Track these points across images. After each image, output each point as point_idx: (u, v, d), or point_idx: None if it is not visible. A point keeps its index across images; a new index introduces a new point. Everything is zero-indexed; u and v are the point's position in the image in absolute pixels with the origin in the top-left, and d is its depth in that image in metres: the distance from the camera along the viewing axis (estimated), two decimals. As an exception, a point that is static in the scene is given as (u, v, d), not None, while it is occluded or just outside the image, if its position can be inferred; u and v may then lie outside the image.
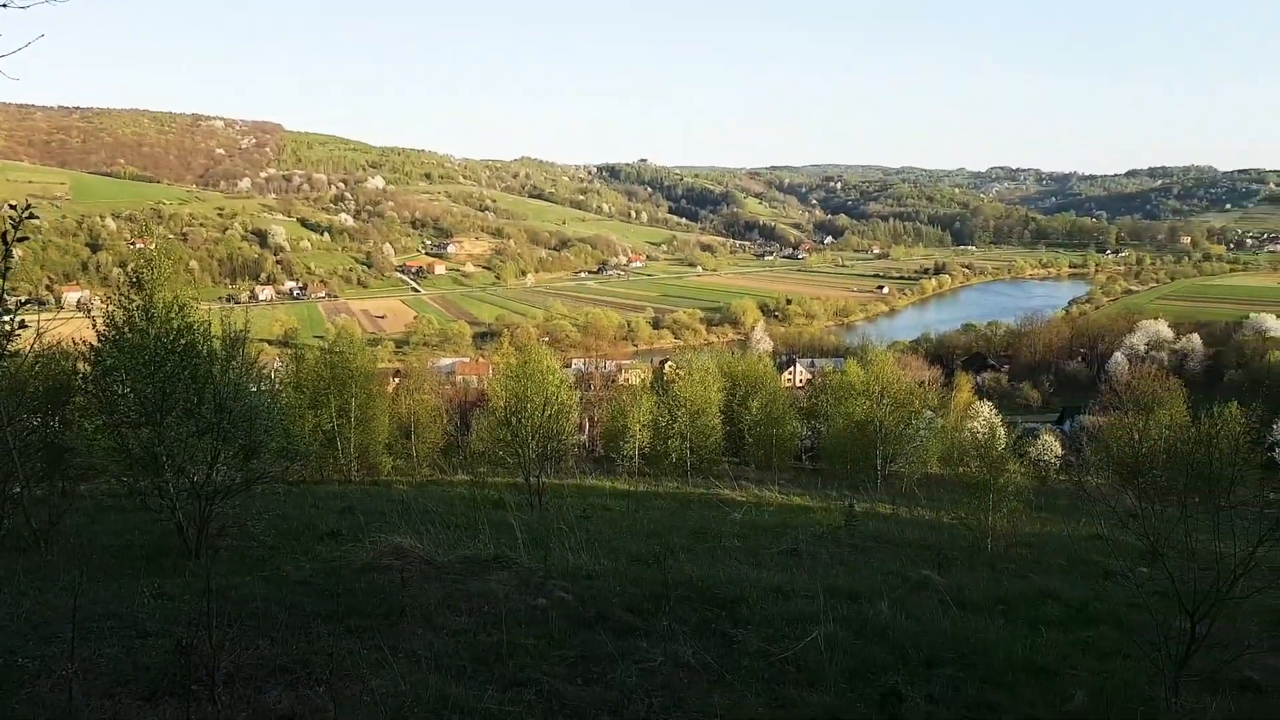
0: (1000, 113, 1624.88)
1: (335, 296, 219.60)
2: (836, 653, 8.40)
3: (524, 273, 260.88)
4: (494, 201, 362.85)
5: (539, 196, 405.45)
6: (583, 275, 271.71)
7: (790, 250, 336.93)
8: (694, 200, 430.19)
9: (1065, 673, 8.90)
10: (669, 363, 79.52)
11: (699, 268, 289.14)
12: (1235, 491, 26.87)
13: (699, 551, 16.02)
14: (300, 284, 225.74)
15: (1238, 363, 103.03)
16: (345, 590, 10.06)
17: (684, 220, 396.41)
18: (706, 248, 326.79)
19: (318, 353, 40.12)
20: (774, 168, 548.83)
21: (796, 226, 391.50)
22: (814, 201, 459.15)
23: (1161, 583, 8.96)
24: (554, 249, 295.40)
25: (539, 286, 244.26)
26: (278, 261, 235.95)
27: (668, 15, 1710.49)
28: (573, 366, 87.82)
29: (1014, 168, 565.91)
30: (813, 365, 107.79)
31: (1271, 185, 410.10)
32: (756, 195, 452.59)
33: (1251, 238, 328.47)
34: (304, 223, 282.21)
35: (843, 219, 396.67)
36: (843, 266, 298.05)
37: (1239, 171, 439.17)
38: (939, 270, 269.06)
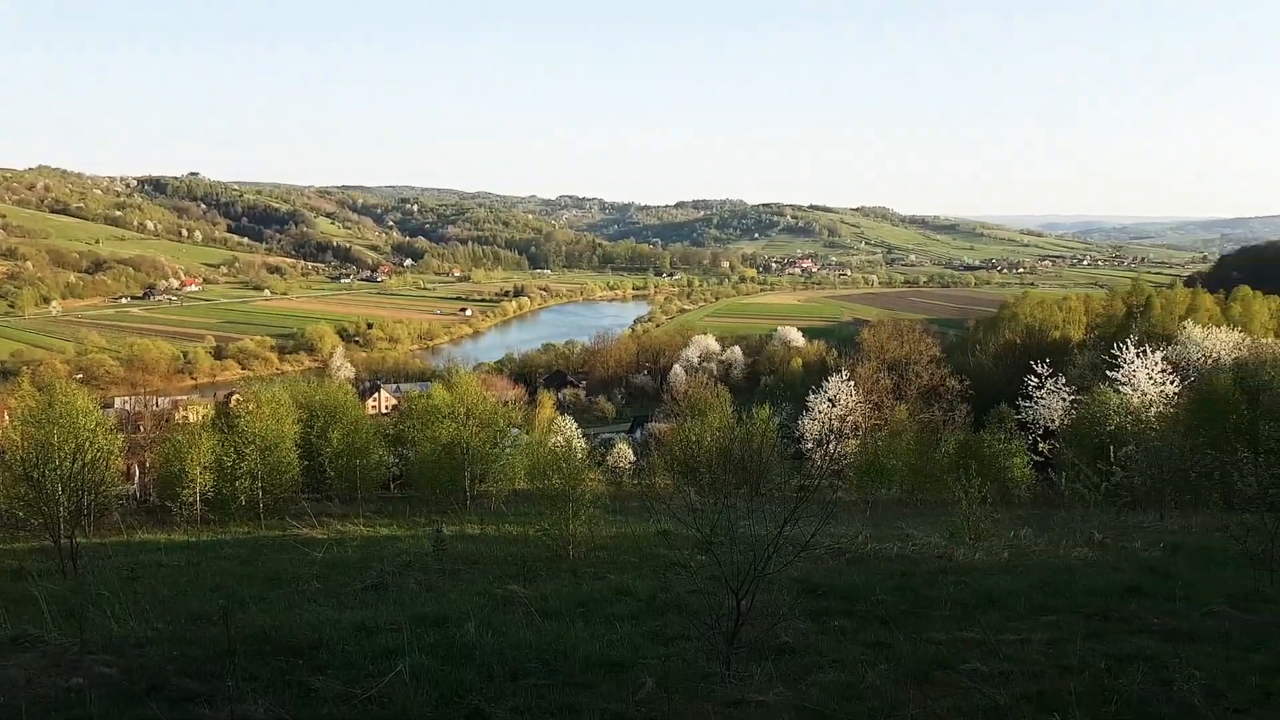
0: (568, 144, 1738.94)
1: None
2: (423, 683, 8.21)
3: (47, 300, 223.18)
4: (3, 217, 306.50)
5: (64, 212, 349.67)
6: (125, 301, 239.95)
7: (369, 273, 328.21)
8: (257, 219, 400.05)
9: (637, 663, 9.47)
10: (235, 396, 73.06)
11: (267, 291, 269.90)
12: (769, 480, 31.06)
13: (273, 599, 15.02)
14: None
15: (770, 369, 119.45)
16: None
17: (247, 240, 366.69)
18: (275, 270, 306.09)
19: None
20: (346, 187, 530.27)
21: (374, 248, 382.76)
22: (391, 223, 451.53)
23: (715, 568, 9.84)
24: (86, 272, 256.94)
25: (68, 315, 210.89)
26: None
27: (219, 17, 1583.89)
28: (115, 406, 77.47)
29: (581, 197, 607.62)
30: (398, 390, 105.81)
31: (789, 217, 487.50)
32: (329, 215, 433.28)
33: (776, 262, 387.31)
34: None
35: (422, 241, 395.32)
36: (425, 289, 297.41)
37: (764, 205, 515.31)
38: (519, 293, 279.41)
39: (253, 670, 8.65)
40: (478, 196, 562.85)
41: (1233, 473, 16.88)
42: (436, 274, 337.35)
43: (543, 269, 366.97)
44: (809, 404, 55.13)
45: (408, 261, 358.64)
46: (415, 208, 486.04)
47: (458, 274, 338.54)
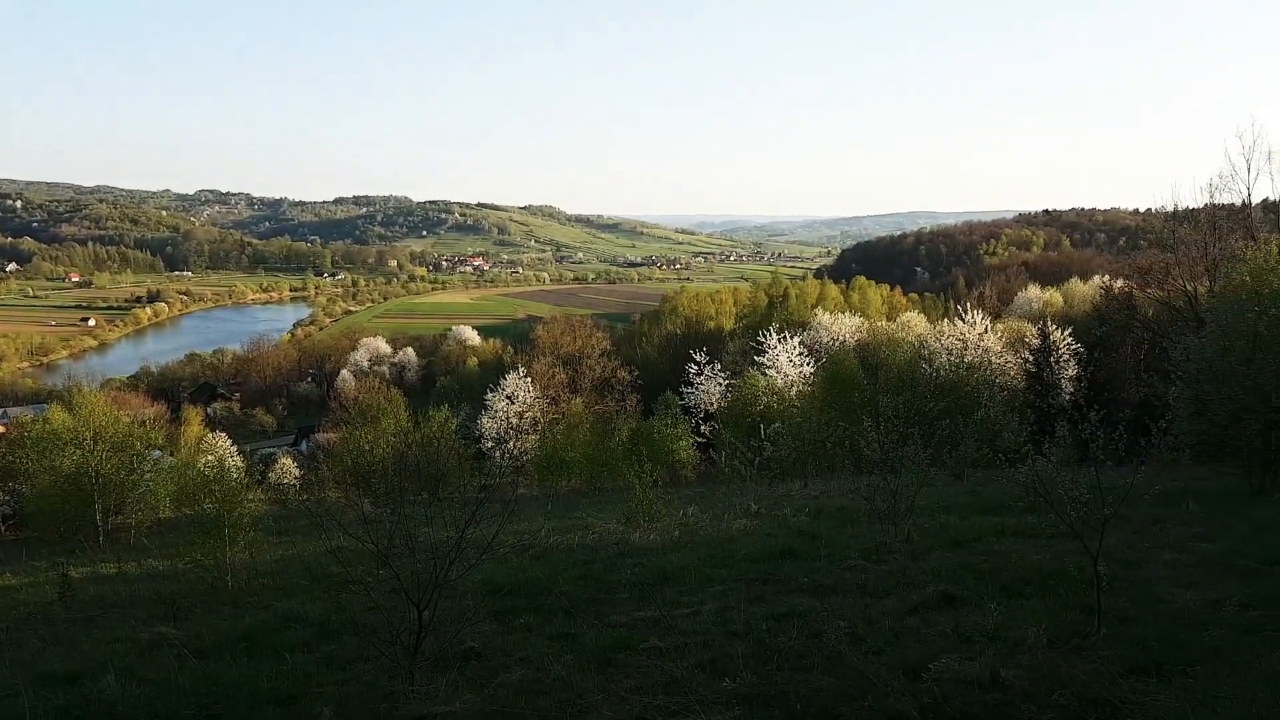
0: (205, 135, 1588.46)
1: None
2: (47, 754, 7.16)
3: None
4: None
5: None
6: None
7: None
8: None
9: (312, 693, 8.90)
10: None
11: None
12: (449, 483, 30.50)
13: None
14: None
15: (447, 370, 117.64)
16: None
17: None
18: None
19: None
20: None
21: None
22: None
23: (394, 581, 9.46)
24: None
25: None
26: None
27: None
28: None
29: (225, 191, 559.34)
30: (5, 416, 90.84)
31: (457, 215, 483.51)
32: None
33: (446, 260, 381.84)
34: None
35: (29, 242, 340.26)
36: (35, 297, 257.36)
37: (430, 202, 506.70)
38: (154, 298, 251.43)
39: None
40: (98, 191, 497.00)
41: (860, 440, 19.26)
42: (49, 279, 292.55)
43: (183, 271, 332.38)
44: (488, 402, 55.13)
45: (11, 266, 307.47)
46: (19, 204, 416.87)
47: (76, 279, 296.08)
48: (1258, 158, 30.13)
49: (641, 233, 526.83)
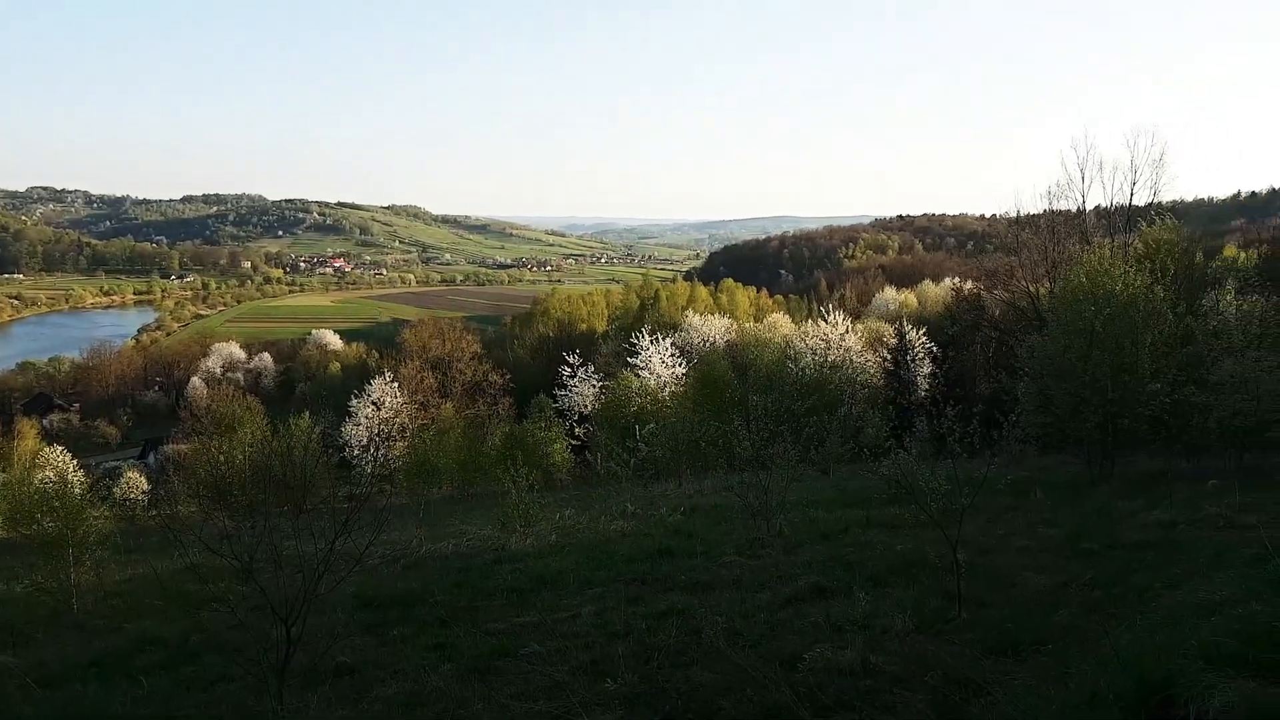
0: (36, 127, 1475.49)
1: None
2: None
3: None
4: None
5: None
6: None
7: None
8: None
9: (172, 718, 8.46)
10: None
11: None
12: (315, 494, 29.43)
13: None
14: None
15: (307, 376, 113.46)
16: None
17: None
18: None
19: None
20: None
21: None
22: None
23: (259, 597, 9.04)
24: None
25: None
26: None
27: None
28: None
29: (59, 188, 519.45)
30: None
31: (315, 214, 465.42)
32: None
33: (304, 261, 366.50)
34: None
35: None
36: None
37: (286, 201, 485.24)
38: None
39: None
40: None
41: (732, 439, 19.70)
42: None
43: (12, 274, 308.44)
44: (352, 409, 53.39)
45: None
46: None
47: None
48: (1090, 167, 32.66)
49: (511, 234, 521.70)
